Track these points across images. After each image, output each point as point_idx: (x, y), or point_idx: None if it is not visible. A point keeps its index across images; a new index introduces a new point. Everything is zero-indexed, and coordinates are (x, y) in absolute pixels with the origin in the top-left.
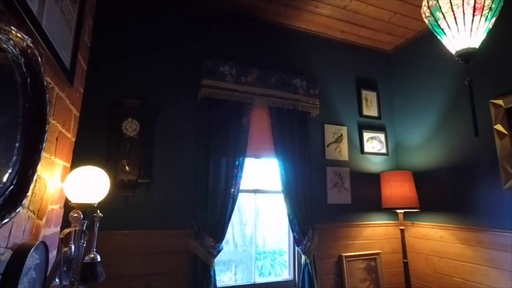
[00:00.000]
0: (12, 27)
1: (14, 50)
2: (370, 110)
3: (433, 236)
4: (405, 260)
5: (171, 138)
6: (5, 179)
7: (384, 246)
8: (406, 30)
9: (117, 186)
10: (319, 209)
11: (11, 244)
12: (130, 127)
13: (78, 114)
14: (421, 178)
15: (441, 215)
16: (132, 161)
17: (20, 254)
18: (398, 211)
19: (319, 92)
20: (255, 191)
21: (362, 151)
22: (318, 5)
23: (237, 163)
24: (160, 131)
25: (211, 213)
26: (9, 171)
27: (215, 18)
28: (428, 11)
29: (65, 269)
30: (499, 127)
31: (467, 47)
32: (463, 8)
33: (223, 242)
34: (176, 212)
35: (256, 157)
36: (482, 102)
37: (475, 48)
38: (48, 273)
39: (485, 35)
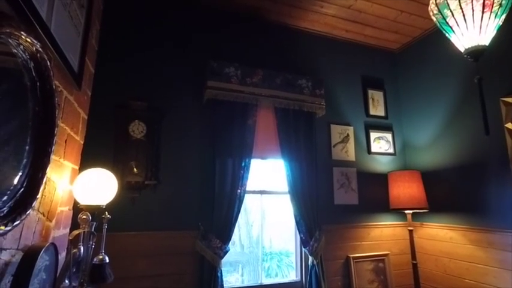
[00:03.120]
0: (22, 32)
1: (23, 55)
2: (377, 109)
3: (443, 237)
4: (414, 262)
5: (177, 139)
6: (15, 181)
7: (392, 247)
8: (412, 28)
9: (125, 188)
10: (326, 210)
11: (22, 246)
12: (137, 129)
13: (86, 117)
14: (429, 178)
15: (451, 216)
16: (139, 162)
17: (30, 255)
18: (406, 212)
19: (324, 92)
20: (261, 192)
21: (369, 151)
22: (323, 5)
23: (243, 164)
24: (166, 133)
25: (218, 215)
26: (20, 173)
27: (220, 19)
28: (436, 8)
29: (74, 270)
30: (510, 125)
31: (476, 44)
32: (472, 4)
33: (230, 243)
34: (183, 213)
35: (262, 158)
36: (492, 101)
37: (484, 45)
38: (57, 275)
39: (495, 32)
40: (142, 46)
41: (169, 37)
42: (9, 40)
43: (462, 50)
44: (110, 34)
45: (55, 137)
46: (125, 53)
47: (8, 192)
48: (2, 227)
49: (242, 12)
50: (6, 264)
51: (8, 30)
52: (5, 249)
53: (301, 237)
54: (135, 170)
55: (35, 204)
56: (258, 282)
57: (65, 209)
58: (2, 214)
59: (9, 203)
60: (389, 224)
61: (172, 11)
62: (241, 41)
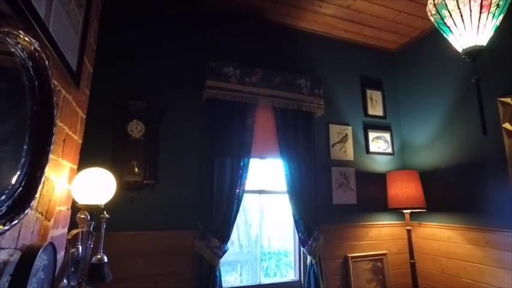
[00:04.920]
0: (20, 31)
1: (22, 54)
2: (376, 109)
3: (441, 236)
4: (412, 261)
5: (177, 138)
6: (13, 181)
7: (391, 246)
8: (411, 28)
9: (123, 187)
10: (325, 210)
11: (20, 245)
12: (136, 129)
13: (84, 117)
14: (427, 178)
15: (448, 215)
16: (138, 162)
17: (28, 255)
18: (404, 211)
19: (323, 92)
20: (260, 192)
21: (367, 151)
22: (321, 5)
23: (241, 164)
24: (165, 132)
25: (217, 214)
26: (18, 173)
27: (219, 18)
28: (434, 9)
29: (72, 269)
30: (507, 126)
31: (474, 44)
32: (470, 5)
33: (229, 242)
34: (181, 212)
35: (261, 158)
36: (490, 101)
37: (482, 46)
38: (56, 274)
39: (492, 32)
40: (142, 45)
41: (169, 36)
42: (7, 39)
43: (460, 50)
44: (108, 33)
45: (53, 136)
46: (124, 53)
47: (6, 191)
48: (0, 226)
49: (242, 12)
50: (5, 263)
51: (6, 29)
52: (3, 249)
53: (299, 237)
54: (136, 169)
55: (34, 203)
56: (257, 282)
57: (64, 209)
58: (0, 213)
59: (8, 202)
60: (388, 224)
61: (172, 10)
62: (241, 41)
